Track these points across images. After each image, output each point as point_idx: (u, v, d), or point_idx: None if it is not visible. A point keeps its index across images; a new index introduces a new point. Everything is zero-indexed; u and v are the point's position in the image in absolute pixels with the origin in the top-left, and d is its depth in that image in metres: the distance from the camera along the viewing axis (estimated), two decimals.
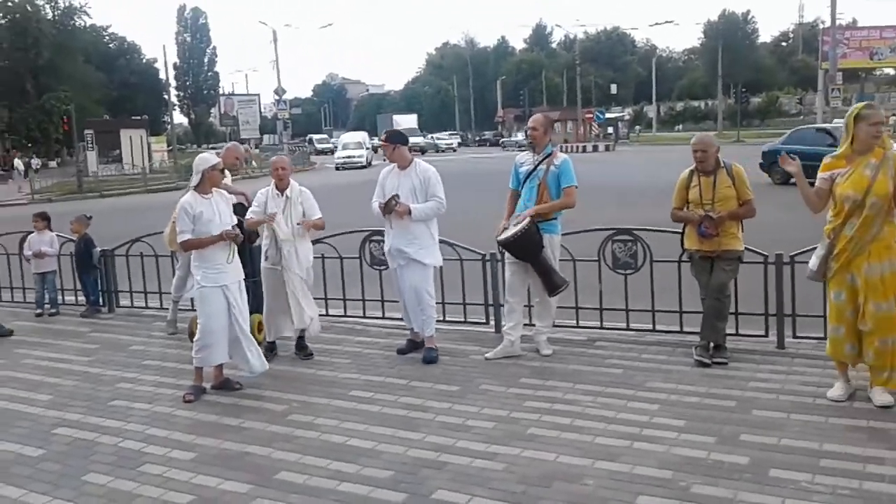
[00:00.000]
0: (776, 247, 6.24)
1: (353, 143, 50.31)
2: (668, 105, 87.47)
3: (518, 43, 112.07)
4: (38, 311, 8.75)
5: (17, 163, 40.12)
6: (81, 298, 8.87)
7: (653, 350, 6.21)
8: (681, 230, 6.07)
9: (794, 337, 6.13)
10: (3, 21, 62.33)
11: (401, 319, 6.82)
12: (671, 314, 6.58)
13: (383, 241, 6.60)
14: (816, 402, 4.88)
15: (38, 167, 38.58)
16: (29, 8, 62.31)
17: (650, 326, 6.67)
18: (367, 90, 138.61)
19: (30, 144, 61.26)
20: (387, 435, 4.77)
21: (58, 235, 8.98)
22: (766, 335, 6.21)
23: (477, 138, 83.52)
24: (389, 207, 6.15)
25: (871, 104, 4.92)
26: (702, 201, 5.82)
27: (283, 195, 6.35)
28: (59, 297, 8.94)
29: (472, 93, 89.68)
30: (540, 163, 6.24)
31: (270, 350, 6.57)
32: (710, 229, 5.73)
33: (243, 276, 5.89)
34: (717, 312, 5.83)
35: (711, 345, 5.83)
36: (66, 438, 4.98)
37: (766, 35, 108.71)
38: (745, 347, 6.07)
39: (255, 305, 6.61)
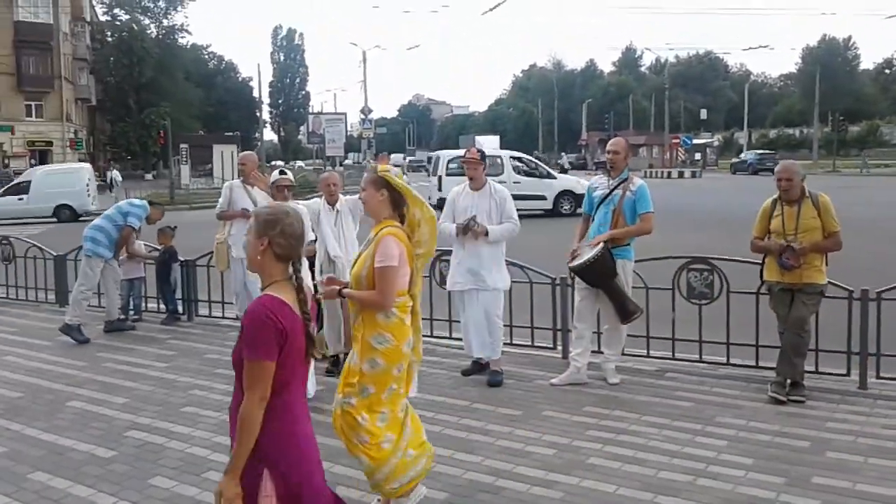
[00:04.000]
0: (866, 281, 5.96)
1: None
2: (761, 132, 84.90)
3: (606, 66, 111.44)
4: (122, 316, 9.08)
5: (114, 174, 41.63)
6: (163, 307, 9.18)
7: (725, 384, 6.00)
8: (760, 261, 5.87)
9: (878, 377, 5.85)
10: (110, 39, 65.75)
11: None
12: (747, 347, 6.34)
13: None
14: None
15: (121, 180, 39.77)
16: (135, 27, 65.59)
17: (724, 359, 6.44)
18: (452, 111, 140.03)
19: (129, 157, 64.22)
20: (445, 456, 4.73)
21: (145, 245, 9.33)
22: (848, 374, 5.93)
23: (557, 160, 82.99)
24: (468, 228, 6.15)
25: None
26: (784, 231, 5.61)
27: (333, 209, 6.50)
28: (143, 305, 9.28)
29: (556, 115, 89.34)
30: (615, 188, 6.14)
31: (335, 364, 6.63)
32: (791, 260, 5.52)
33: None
34: (795, 348, 5.59)
35: (788, 381, 5.61)
36: (137, 441, 5.14)
37: (868, 62, 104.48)
38: (825, 386, 5.81)
39: (319, 322, 6.71)
